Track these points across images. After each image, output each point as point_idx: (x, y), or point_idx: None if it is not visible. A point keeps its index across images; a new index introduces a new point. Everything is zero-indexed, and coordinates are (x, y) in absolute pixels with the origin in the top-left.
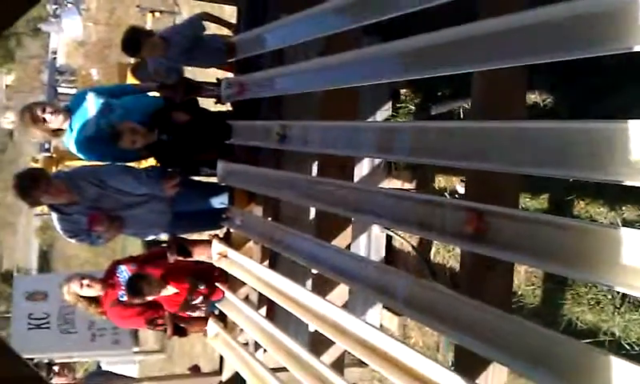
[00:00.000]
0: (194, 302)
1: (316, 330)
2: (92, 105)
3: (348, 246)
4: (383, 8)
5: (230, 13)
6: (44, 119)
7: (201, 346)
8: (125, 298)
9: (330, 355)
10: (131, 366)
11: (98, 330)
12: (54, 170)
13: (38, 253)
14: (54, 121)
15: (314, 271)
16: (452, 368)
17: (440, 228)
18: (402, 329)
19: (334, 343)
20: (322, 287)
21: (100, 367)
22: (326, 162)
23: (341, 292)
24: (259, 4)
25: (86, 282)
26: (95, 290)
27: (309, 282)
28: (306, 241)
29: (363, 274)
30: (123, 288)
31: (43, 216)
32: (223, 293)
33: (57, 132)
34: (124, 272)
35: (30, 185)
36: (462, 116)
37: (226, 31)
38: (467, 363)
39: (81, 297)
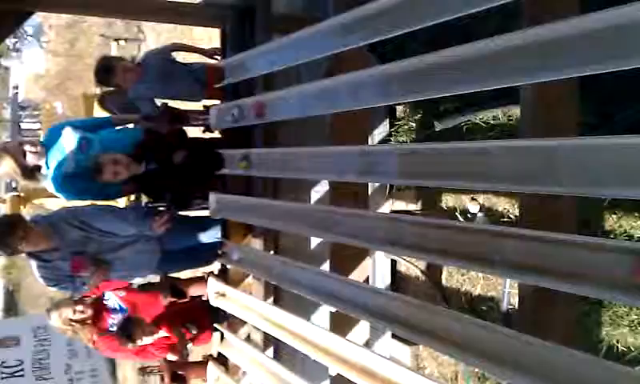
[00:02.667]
0: (186, 349)
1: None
2: (69, 140)
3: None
4: (391, 25)
5: (199, 36)
6: (24, 153)
7: None
8: (115, 328)
9: None
10: None
11: (75, 374)
12: (22, 209)
13: (3, 293)
14: (35, 153)
15: (333, 309)
16: None
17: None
18: (415, 359)
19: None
20: (340, 325)
21: None
22: (338, 190)
23: (361, 328)
24: (246, 26)
25: (79, 308)
26: (86, 314)
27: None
28: (317, 275)
29: (375, 303)
30: (112, 317)
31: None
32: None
33: (32, 171)
34: (112, 298)
35: (7, 233)
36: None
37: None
38: None
39: (72, 321)
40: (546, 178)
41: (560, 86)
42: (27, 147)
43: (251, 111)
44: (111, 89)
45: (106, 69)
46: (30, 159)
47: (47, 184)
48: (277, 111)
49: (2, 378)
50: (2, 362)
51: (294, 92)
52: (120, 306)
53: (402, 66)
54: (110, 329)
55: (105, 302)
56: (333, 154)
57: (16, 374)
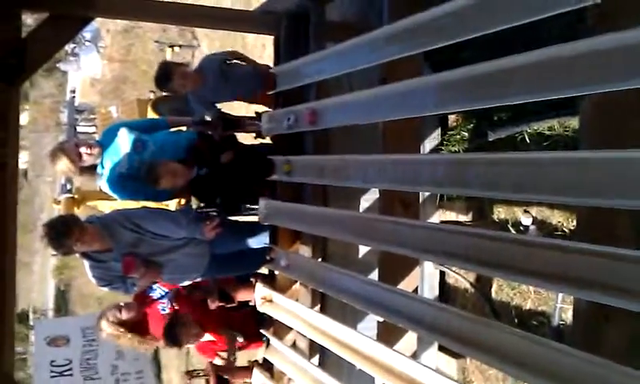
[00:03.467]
0: (234, 354)
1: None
2: (124, 141)
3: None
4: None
5: (252, 42)
6: (79, 155)
7: None
8: (167, 311)
9: None
10: None
11: (121, 375)
12: (76, 210)
13: (54, 293)
14: (90, 154)
15: (379, 319)
16: None
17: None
18: (462, 372)
19: None
20: (387, 335)
21: None
22: (388, 198)
23: (409, 339)
24: (300, 33)
25: (123, 308)
26: (134, 313)
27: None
28: (366, 284)
29: (423, 314)
30: (162, 302)
31: (59, 256)
32: (259, 345)
33: (87, 169)
34: (155, 289)
35: (63, 233)
36: (527, 141)
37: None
38: None
39: (122, 327)
40: (607, 191)
41: (622, 97)
42: (83, 149)
43: (304, 118)
44: (164, 94)
45: (165, 74)
46: (86, 159)
47: (102, 184)
48: (328, 119)
49: (52, 377)
50: (52, 361)
51: (346, 100)
52: (165, 291)
53: (456, 75)
54: (162, 312)
55: (150, 295)
56: (383, 163)
57: (65, 374)
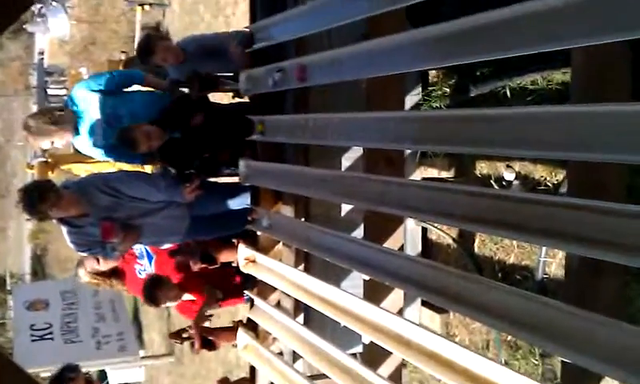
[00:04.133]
0: (208, 313)
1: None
2: (97, 111)
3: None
4: None
5: (225, 0)
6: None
7: None
8: (143, 275)
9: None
10: (137, 370)
11: (102, 338)
12: (50, 174)
13: (30, 257)
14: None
15: (365, 277)
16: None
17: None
18: (445, 327)
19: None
20: (373, 292)
21: (105, 374)
22: (372, 156)
23: (395, 296)
24: None
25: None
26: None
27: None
28: (350, 242)
29: (407, 270)
30: (139, 262)
31: (35, 221)
32: (239, 300)
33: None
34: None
35: (39, 199)
36: (510, 96)
37: None
38: None
39: (99, 275)
40: (595, 144)
41: (613, 49)
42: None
43: (292, 75)
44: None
45: (147, 48)
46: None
47: (78, 144)
48: (318, 75)
49: (33, 341)
50: (32, 325)
51: (338, 54)
52: (147, 250)
53: (439, 30)
54: (139, 275)
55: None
56: (365, 121)
57: (45, 337)
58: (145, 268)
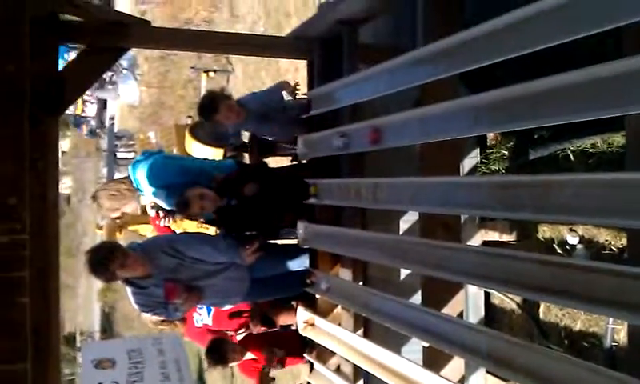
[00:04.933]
0: (271, 374)
1: None
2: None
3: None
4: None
5: (285, 66)
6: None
7: None
8: (200, 324)
9: None
10: None
11: None
12: (117, 235)
13: (100, 315)
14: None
15: (425, 344)
16: None
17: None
18: None
19: None
20: (433, 359)
21: None
22: (429, 221)
23: (456, 364)
24: (333, 57)
25: None
26: None
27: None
28: (409, 309)
29: (470, 339)
30: (198, 312)
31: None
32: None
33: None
34: None
35: (107, 259)
36: (570, 159)
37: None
38: None
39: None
40: None
41: None
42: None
43: (365, 138)
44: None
45: (212, 106)
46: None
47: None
48: (394, 137)
49: None
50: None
51: (411, 116)
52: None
53: (492, 96)
54: (196, 324)
55: None
56: (423, 185)
57: None
58: (203, 318)
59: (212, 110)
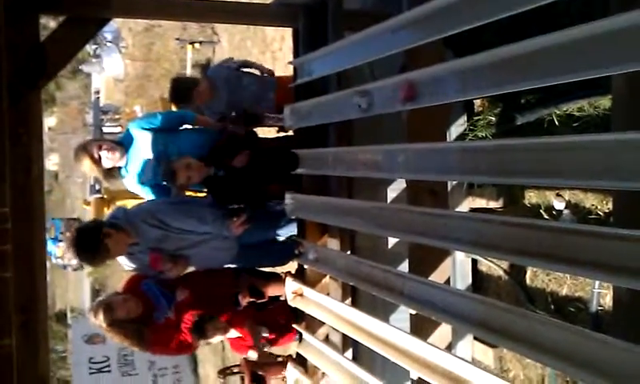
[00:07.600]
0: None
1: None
2: (148, 149)
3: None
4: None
5: (271, 35)
6: (99, 157)
7: None
8: (162, 320)
9: None
10: None
11: (158, 370)
12: (105, 211)
13: (90, 292)
14: (111, 159)
15: (412, 311)
16: None
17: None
18: (499, 361)
19: None
20: (421, 327)
21: None
22: (415, 188)
23: (443, 331)
24: (319, 24)
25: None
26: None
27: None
28: (396, 276)
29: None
30: (157, 306)
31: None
32: (291, 337)
33: (110, 172)
34: (152, 287)
35: (92, 256)
36: (556, 124)
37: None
38: None
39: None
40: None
41: None
42: (104, 153)
43: (395, 95)
44: None
45: (180, 95)
46: (106, 163)
47: (127, 184)
48: (432, 93)
49: (91, 373)
50: (90, 359)
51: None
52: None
53: (479, 60)
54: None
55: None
56: (410, 152)
57: (103, 370)
58: (162, 314)
59: (184, 100)
